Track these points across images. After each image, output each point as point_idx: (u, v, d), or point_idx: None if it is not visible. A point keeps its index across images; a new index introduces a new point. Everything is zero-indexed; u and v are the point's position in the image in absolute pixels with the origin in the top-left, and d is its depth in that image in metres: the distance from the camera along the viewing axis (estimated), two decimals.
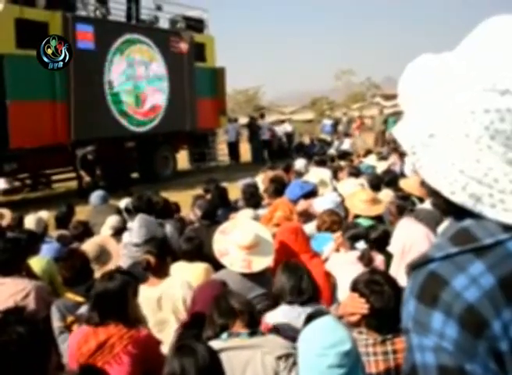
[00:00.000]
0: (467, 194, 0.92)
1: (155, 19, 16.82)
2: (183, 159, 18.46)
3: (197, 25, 17.95)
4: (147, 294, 3.60)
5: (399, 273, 3.46)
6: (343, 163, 10.32)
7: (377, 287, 2.55)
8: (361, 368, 2.14)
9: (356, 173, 7.98)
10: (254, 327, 2.73)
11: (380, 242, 3.98)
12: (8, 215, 6.62)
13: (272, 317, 3.14)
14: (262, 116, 22.56)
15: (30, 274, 4.08)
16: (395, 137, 1.06)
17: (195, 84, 17.10)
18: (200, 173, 15.83)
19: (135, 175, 16.00)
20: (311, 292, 3.20)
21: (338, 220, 5.00)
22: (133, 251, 4.69)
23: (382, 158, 10.55)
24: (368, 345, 2.46)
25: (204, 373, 2.18)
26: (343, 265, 3.76)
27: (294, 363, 2.53)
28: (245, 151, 21.15)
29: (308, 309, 2.97)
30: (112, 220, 5.56)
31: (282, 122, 25.37)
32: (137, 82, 15.32)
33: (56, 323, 3.38)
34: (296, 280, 3.21)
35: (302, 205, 5.64)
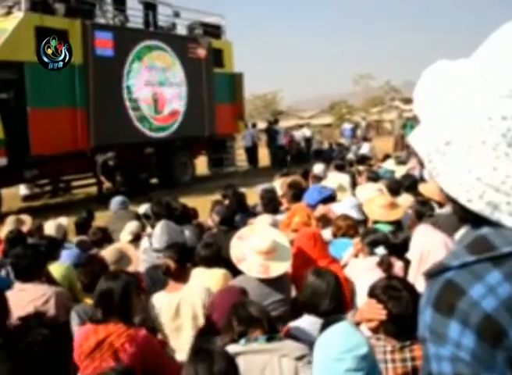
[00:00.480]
0: (485, 202, 0.91)
1: (173, 25, 16.94)
2: (201, 165, 18.52)
3: (214, 31, 18.03)
4: (166, 300, 3.62)
5: (417, 279, 3.43)
6: (361, 168, 10.27)
7: (395, 293, 2.53)
8: (378, 373, 2.13)
9: (375, 177, 7.93)
10: (271, 333, 2.73)
11: (400, 248, 3.94)
12: (28, 221, 6.68)
13: (297, 325, 3.13)
14: (276, 121, 22.55)
15: (49, 280, 4.12)
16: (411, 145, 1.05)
17: (213, 90, 17.17)
18: (219, 179, 15.87)
19: (154, 181, 16.10)
20: (341, 302, 3.17)
21: (353, 224, 4.97)
22: (154, 257, 4.71)
23: (401, 162, 10.47)
24: (386, 352, 2.44)
25: None
26: (361, 270, 3.73)
27: (309, 362, 2.54)
28: (264, 156, 21.16)
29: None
30: (131, 226, 5.59)
31: (301, 126, 25.36)
32: (156, 88, 15.42)
33: (75, 328, 3.40)
34: (327, 289, 3.18)
35: (320, 210, 5.62)
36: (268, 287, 3.72)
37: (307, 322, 3.10)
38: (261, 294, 3.60)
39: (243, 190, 7.82)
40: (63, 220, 6.42)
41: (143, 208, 6.94)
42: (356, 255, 4.17)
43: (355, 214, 5.33)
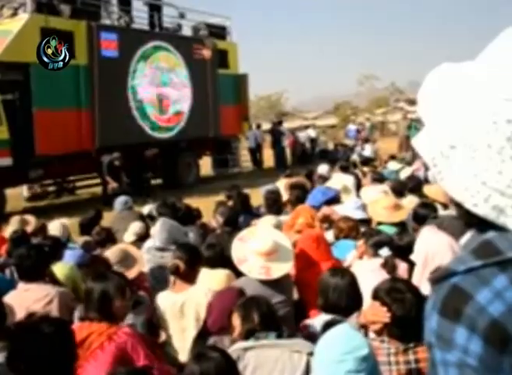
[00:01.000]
0: (490, 206, 0.90)
1: (178, 26, 16.95)
2: (206, 165, 18.52)
3: (219, 32, 18.05)
4: (172, 300, 3.63)
5: (422, 281, 3.42)
6: (366, 169, 10.26)
7: (399, 295, 2.53)
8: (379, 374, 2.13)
9: (380, 179, 7.92)
10: (278, 331, 2.76)
11: (404, 250, 3.93)
12: (32, 221, 6.68)
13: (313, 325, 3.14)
14: (280, 122, 22.54)
15: (53, 280, 4.12)
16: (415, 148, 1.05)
17: (218, 91, 17.18)
18: (223, 179, 15.86)
19: (158, 181, 16.12)
20: (359, 300, 3.17)
21: (355, 226, 4.96)
22: (157, 256, 4.71)
23: (406, 163, 10.46)
24: (390, 354, 2.44)
25: None
26: (365, 272, 3.72)
27: None
28: (268, 157, 21.17)
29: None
30: (135, 227, 5.59)
31: (306, 127, 25.33)
32: (161, 89, 15.44)
33: None
34: (346, 287, 3.18)
35: (324, 211, 5.61)
36: (270, 289, 3.72)
37: (321, 321, 3.10)
38: (264, 296, 3.60)
39: (247, 191, 7.81)
40: (65, 221, 6.41)
41: (147, 208, 6.95)
42: (360, 257, 4.16)
43: (360, 215, 5.32)
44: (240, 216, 5.78)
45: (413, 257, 3.85)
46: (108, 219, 7.26)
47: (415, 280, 3.55)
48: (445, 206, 5.32)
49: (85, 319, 2.95)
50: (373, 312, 2.57)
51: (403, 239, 4.09)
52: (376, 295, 2.62)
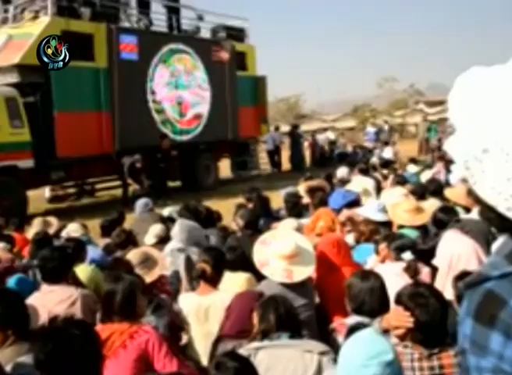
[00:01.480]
0: None
1: (197, 29, 17.02)
2: (224, 168, 18.56)
3: (237, 34, 18.07)
4: (196, 302, 3.64)
5: (445, 286, 3.39)
6: (386, 172, 10.20)
7: (422, 300, 2.51)
8: None
9: (401, 181, 7.88)
10: (295, 332, 2.79)
11: (427, 254, 3.89)
12: (55, 223, 6.76)
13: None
14: (296, 126, 22.45)
15: (76, 282, 4.15)
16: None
17: (237, 93, 17.21)
18: (242, 182, 15.87)
19: (177, 183, 16.18)
20: (387, 302, 3.16)
21: (376, 229, 4.93)
22: (180, 259, 4.73)
23: (427, 166, 10.38)
24: (413, 360, 2.42)
25: None
26: (388, 276, 3.70)
27: (333, 359, 2.60)
28: (287, 160, 21.14)
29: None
30: (156, 229, 5.60)
31: (325, 130, 25.29)
32: (180, 91, 15.51)
33: None
34: (375, 289, 3.17)
35: (345, 214, 5.59)
36: (292, 292, 3.70)
37: (355, 321, 3.09)
38: None
39: (266, 193, 7.81)
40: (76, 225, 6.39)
41: (167, 210, 6.97)
42: (382, 261, 4.13)
43: (381, 217, 5.28)
44: (260, 218, 5.78)
45: (435, 261, 3.81)
46: (128, 221, 7.30)
47: (438, 285, 3.51)
48: (467, 209, 5.27)
49: (106, 320, 2.98)
50: (396, 317, 2.55)
51: (426, 243, 4.06)
52: (399, 300, 2.60)
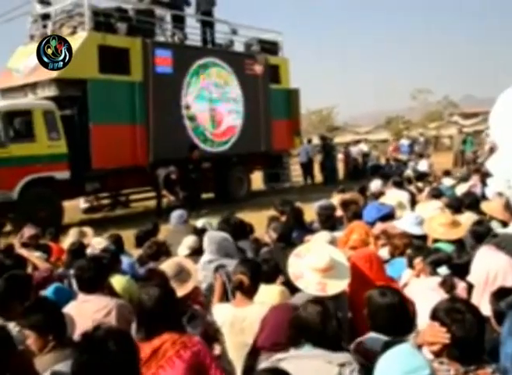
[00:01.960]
0: None
1: (230, 42, 17.18)
2: (257, 180, 18.59)
3: (271, 47, 18.18)
4: (232, 314, 3.64)
5: (481, 303, 3.32)
6: (421, 185, 10.09)
7: (458, 316, 2.47)
8: None
9: (437, 194, 7.77)
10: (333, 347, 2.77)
11: (463, 268, 3.83)
12: (90, 233, 6.86)
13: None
14: (326, 138, 22.38)
15: (111, 292, 4.21)
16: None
17: (270, 106, 17.28)
18: (275, 194, 15.86)
19: (210, 195, 16.27)
20: (404, 321, 3.13)
21: (410, 243, 4.87)
22: (211, 269, 4.75)
23: (462, 179, 10.22)
24: None
25: None
26: (423, 291, 3.65)
27: (355, 371, 2.63)
28: (318, 172, 21.08)
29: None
30: (189, 240, 5.63)
31: (358, 142, 25.15)
32: (213, 104, 15.65)
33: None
34: (389, 306, 3.14)
35: (379, 227, 5.55)
36: None
37: (371, 338, 3.07)
38: None
39: (298, 205, 7.77)
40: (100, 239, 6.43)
41: (201, 222, 7.00)
42: (417, 275, 4.08)
43: (418, 231, 5.23)
44: (293, 231, 5.77)
45: (470, 278, 3.74)
46: (162, 232, 7.37)
47: (475, 301, 3.45)
48: (503, 224, 5.17)
49: (154, 331, 2.97)
50: (432, 332, 2.52)
51: (462, 257, 3.99)
52: (435, 315, 2.56)
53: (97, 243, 5.95)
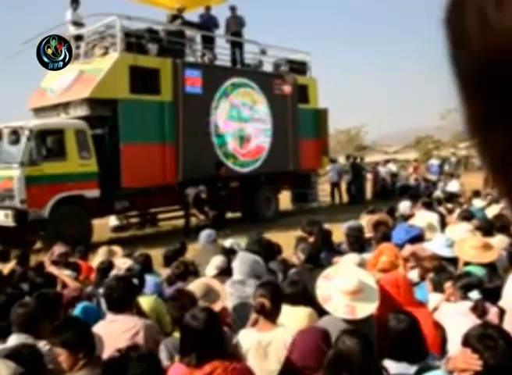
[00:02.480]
0: None
1: (259, 63, 17.32)
2: (284, 200, 18.56)
3: (299, 67, 18.24)
4: (256, 339, 3.60)
5: None
6: (450, 206, 9.96)
7: (491, 343, 2.42)
8: None
9: (468, 216, 7.63)
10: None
11: (495, 293, 3.75)
12: (119, 252, 6.92)
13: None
14: (355, 158, 22.32)
15: (139, 312, 4.23)
16: None
17: (298, 125, 17.31)
18: (302, 214, 15.80)
19: (237, 215, 16.28)
20: (422, 349, 3.08)
21: (440, 265, 4.80)
22: (241, 291, 4.73)
23: (494, 200, 10.05)
24: None
25: None
26: (453, 316, 3.59)
27: None
28: (345, 192, 20.97)
29: (415, 367, 2.88)
30: (217, 260, 5.62)
31: (387, 162, 24.96)
32: (242, 124, 15.73)
33: (164, 362, 3.44)
34: (401, 332, 3.10)
35: (408, 249, 5.48)
36: None
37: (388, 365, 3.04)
38: None
39: (326, 226, 7.74)
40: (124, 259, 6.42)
41: (229, 242, 7.00)
42: (447, 299, 4.02)
43: (448, 253, 5.15)
44: (321, 252, 5.74)
45: (502, 303, 3.66)
46: (190, 251, 7.38)
47: (506, 326, 3.38)
48: None
49: (204, 357, 2.96)
50: (463, 359, 2.47)
51: (494, 281, 3.92)
52: (467, 342, 2.52)
53: (122, 263, 5.99)
